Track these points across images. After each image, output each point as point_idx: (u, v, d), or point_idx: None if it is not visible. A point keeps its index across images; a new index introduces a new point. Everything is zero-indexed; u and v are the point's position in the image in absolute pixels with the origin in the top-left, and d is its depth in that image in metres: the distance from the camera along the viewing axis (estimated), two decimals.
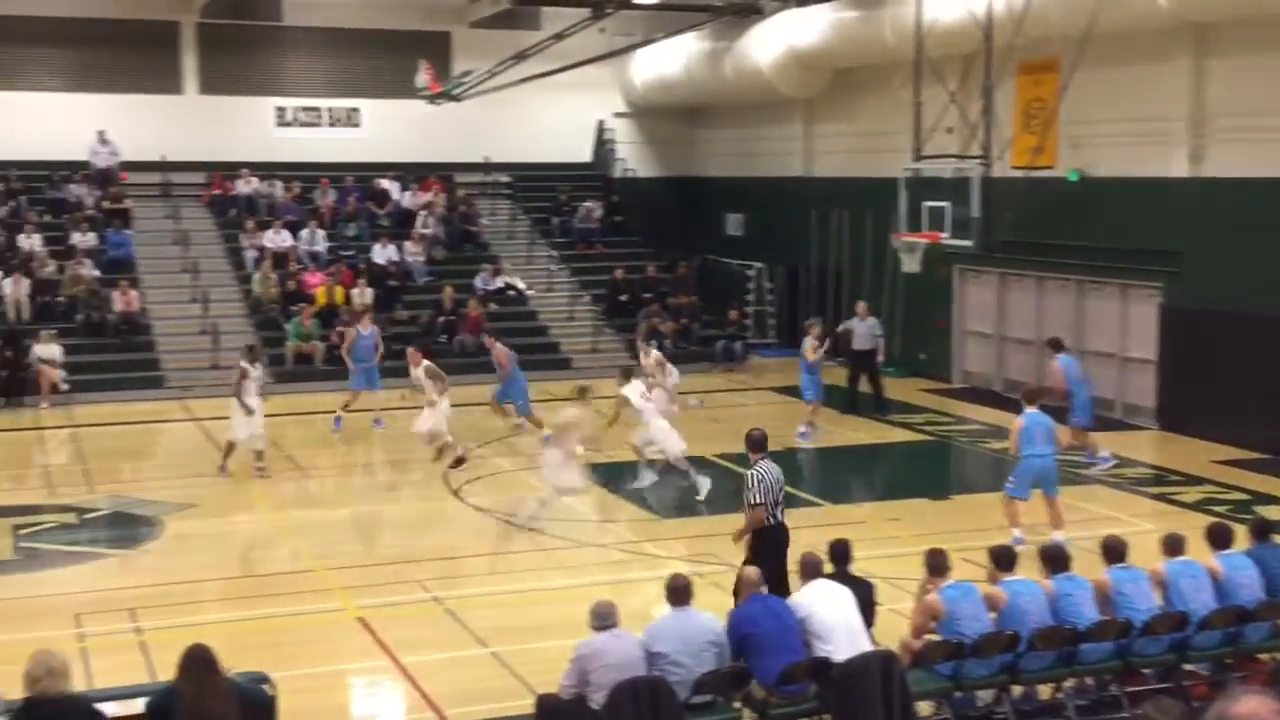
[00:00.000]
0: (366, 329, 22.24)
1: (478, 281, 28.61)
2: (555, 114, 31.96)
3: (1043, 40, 21.21)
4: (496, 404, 21.10)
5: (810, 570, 9.58)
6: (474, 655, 11.53)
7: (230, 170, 30.05)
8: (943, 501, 17.01)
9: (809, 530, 15.15)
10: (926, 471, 19.90)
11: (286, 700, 8.87)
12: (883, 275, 26.66)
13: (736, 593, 9.77)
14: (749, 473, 11.34)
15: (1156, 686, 9.91)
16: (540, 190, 32.50)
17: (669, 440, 17.26)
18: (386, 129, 31.39)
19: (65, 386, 23.82)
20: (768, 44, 27.58)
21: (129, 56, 29.81)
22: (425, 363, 19.03)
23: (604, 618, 8.85)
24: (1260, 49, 19.52)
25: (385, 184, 30.89)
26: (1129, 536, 10.71)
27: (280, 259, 27.95)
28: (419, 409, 19.11)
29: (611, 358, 27.81)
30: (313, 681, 10.75)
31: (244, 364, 18.25)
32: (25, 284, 25.80)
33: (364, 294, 27.09)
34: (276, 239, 28.36)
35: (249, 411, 17.91)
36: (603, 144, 33.78)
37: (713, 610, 9.52)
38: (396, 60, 30.35)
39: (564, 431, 15.77)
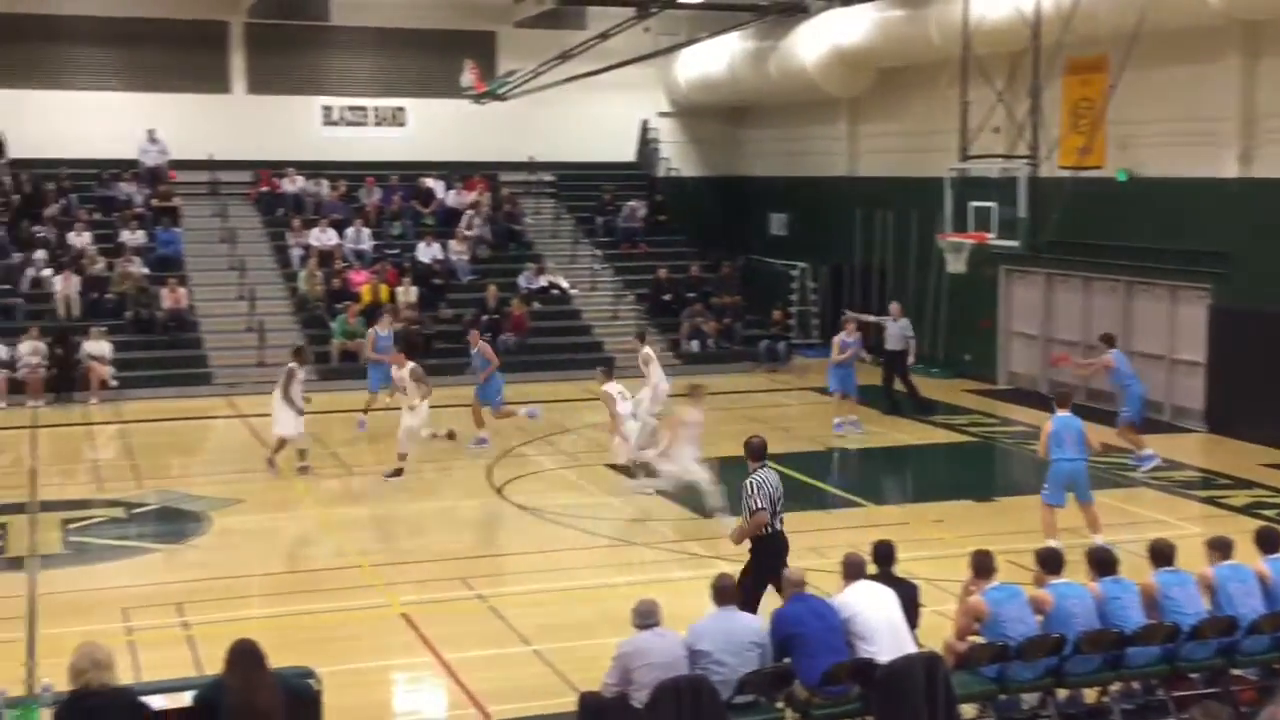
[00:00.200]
0: (386, 329, 22.16)
1: (521, 280, 28.70)
2: (599, 113, 32.00)
3: (1091, 39, 21.04)
4: (478, 404, 20.62)
5: (854, 571, 9.55)
6: (517, 652, 11.57)
7: (277, 169, 30.28)
8: (987, 503, 16.90)
9: (851, 531, 15.16)
10: (971, 473, 19.78)
11: (331, 695, 8.93)
12: (927, 276, 26.54)
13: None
14: (747, 480, 11.13)
15: (1204, 691, 9.82)
16: (584, 189, 32.54)
17: (633, 441, 17.37)
18: (432, 128, 31.53)
19: (114, 383, 24.08)
20: (813, 43, 27.50)
21: (178, 56, 30.07)
22: (410, 365, 18.51)
23: (647, 616, 8.86)
24: None
25: (430, 183, 31.04)
26: (1176, 540, 10.59)
27: (326, 257, 28.13)
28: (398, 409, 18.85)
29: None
30: (357, 677, 10.82)
31: (293, 364, 18.27)
32: (75, 281, 26.10)
33: (408, 292, 27.24)
34: (322, 237, 28.55)
35: (300, 411, 18.02)
36: (647, 143, 33.79)
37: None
38: (442, 60, 30.48)
39: (680, 428, 15.59)
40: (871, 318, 24.05)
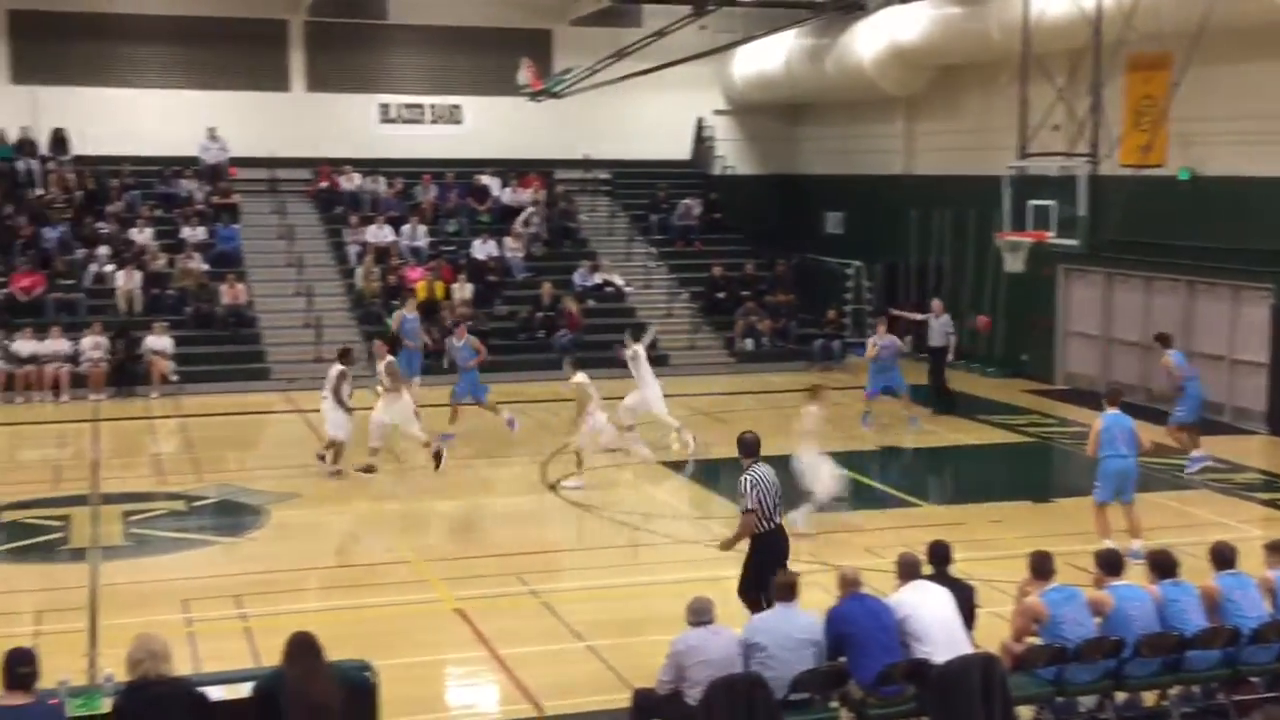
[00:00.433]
0: (412, 312, 22.18)
1: (576, 278, 28.76)
2: (655, 111, 31.99)
3: (1154, 35, 20.77)
4: (457, 401, 20.70)
5: (908, 570, 9.50)
6: (571, 649, 11.60)
7: (335, 166, 30.51)
8: (1045, 505, 16.73)
9: (907, 530, 15.07)
10: (1028, 474, 19.62)
11: (386, 689, 8.99)
12: (984, 274, 26.34)
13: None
14: (742, 478, 11.00)
15: (1265, 695, 9.69)
16: (639, 187, 32.56)
17: (602, 435, 17.48)
18: (488, 126, 31.65)
19: (175, 377, 24.37)
20: (870, 41, 27.36)
21: (238, 55, 30.37)
22: (389, 358, 18.43)
23: (701, 614, 8.86)
24: None
25: (485, 180, 31.17)
26: (1237, 543, 10.45)
27: (382, 254, 28.33)
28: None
29: (708, 355, 27.87)
30: (412, 670, 10.88)
31: (341, 366, 18.12)
32: (137, 277, 26.44)
33: (464, 289, 27.37)
34: (379, 234, 28.75)
35: (349, 411, 18.00)
36: (702, 141, 33.74)
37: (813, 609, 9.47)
38: (499, 58, 30.53)
39: (806, 431, 15.52)
40: (917, 315, 24.03)
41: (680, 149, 33.52)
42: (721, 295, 29.08)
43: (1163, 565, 9.85)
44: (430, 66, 32.00)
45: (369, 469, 17.91)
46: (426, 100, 31.97)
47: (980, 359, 26.51)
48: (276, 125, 30.40)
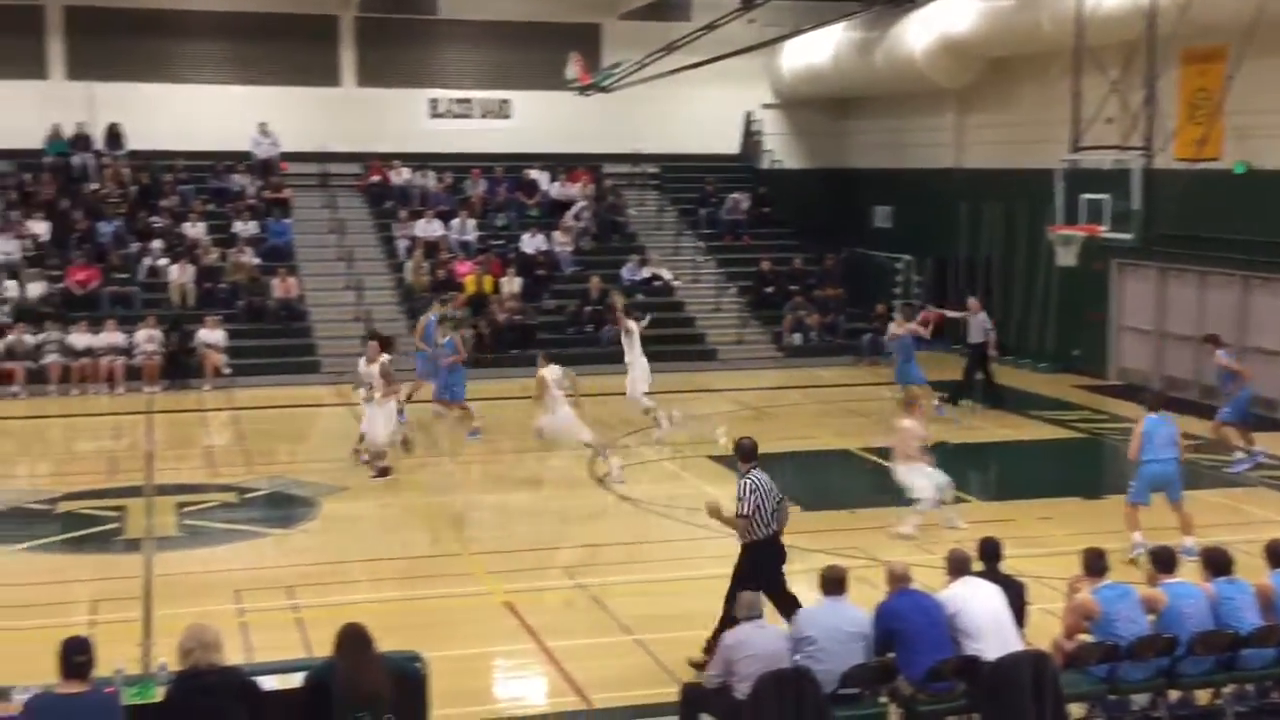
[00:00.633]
0: (435, 314, 21.91)
1: (625, 272, 28.79)
2: (703, 105, 31.95)
3: (1209, 28, 20.54)
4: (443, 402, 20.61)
5: (958, 566, 9.45)
6: (618, 642, 11.63)
7: (385, 160, 30.67)
8: (1096, 501, 16.58)
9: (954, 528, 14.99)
10: (1079, 470, 19.44)
11: (436, 680, 9.04)
12: (1036, 269, 26.13)
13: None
14: (741, 482, 10.86)
15: None
16: (687, 181, 32.54)
17: (572, 430, 17.47)
18: (537, 120, 31.73)
19: (228, 370, 24.61)
20: (920, 33, 27.19)
21: (289, 50, 30.61)
22: (384, 357, 17.57)
23: (750, 608, 8.87)
24: None
25: (534, 174, 31.24)
26: None
27: (431, 248, 28.47)
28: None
29: (756, 349, 27.83)
30: (461, 663, 10.93)
31: (386, 356, 17.56)
32: (190, 270, 26.71)
33: (512, 283, 27.46)
34: (428, 228, 28.89)
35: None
36: (750, 135, 33.67)
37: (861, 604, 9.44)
38: (547, 52, 30.58)
39: (902, 440, 15.23)
40: (954, 313, 23.90)
41: (729, 143, 33.46)
42: (770, 290, 29.01)
43: (1217, 563, 9.75)
44: (479, 61, 32.10)
45: (385, 471, 17.37)
46: (476, 95, 32.08)
47: (1031, 354, 26.32)
48: (327, 120, 30.62)
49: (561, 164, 31.55)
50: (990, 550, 9.97)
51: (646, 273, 28.98)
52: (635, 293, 28.15)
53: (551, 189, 31.12)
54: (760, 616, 8.85)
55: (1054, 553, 13.02)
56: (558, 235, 29.45)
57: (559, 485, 18.03)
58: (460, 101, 32.08)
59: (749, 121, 33.65)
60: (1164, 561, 9.64)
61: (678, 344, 25.85)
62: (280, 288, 26.64)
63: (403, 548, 15.05)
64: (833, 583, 9.18)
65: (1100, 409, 22.58)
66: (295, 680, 8.15)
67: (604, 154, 32.04)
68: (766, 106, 33.72)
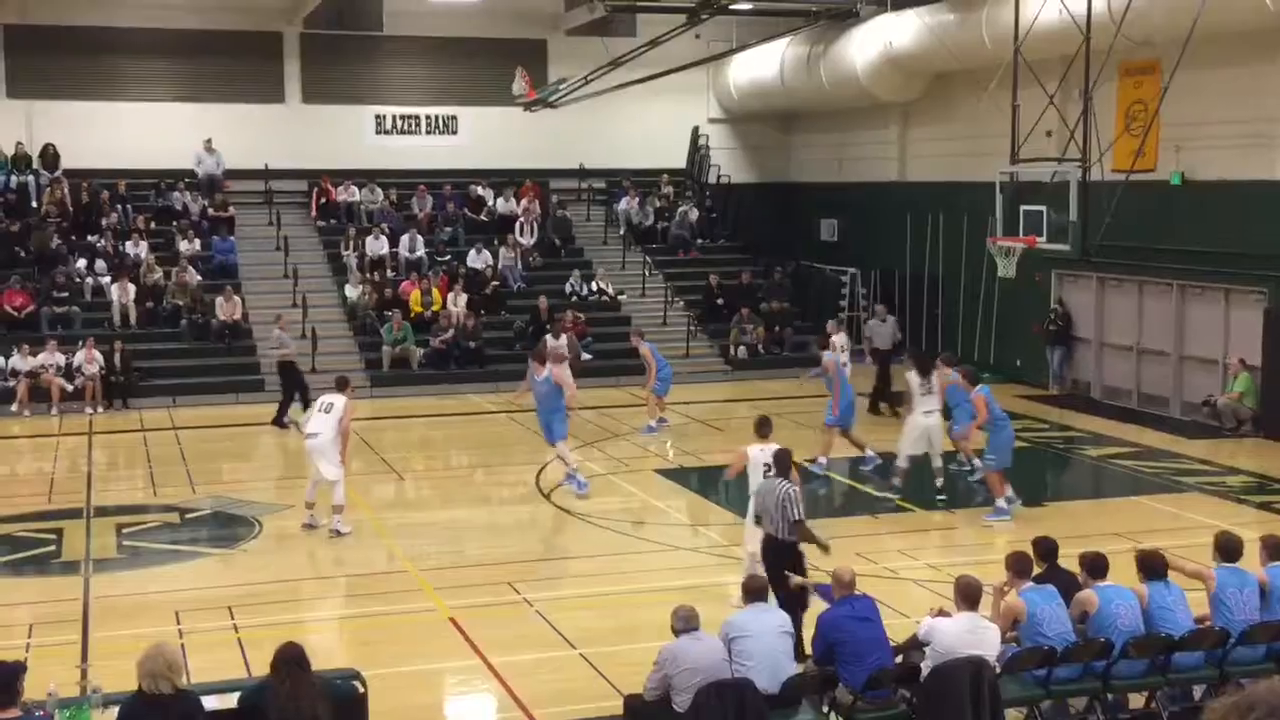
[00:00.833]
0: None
1: (569, 286, 28.83)
2: (650, 120, 32.08)
3: (1144, 41, 20.85)
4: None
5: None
6: (563, 656, 11.61)
7: (331, 177, 30.53)
8: (1038, 509, 16.73)
9: (902, 536, 15.11)
10: (1022, 478, 19.55)
11: (378, 698, 9.02)
12: (978, 280, 26.38)
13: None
14: (792, 490, 11.31)
15: None
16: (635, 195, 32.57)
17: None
18: (484, 136, 31.73)
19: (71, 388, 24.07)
20: (864, 48, 27.40)
21: (233, 67, 30.42)
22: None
23: (686, 621, 8.89)
24: None
25: (481, 191, 31.22)
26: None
27: (378, 265, 28.37)
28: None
29: (704, 363, 27.91)
30: (404, 680, 10.90)
31: (346, 397, 16.03)
32: (132, 289, 26.46)
33: (458, 300, 27.41)
34: (375, 245, 28.79)
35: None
36: (697, 150, 33.80)
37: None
38: (494, 68, 30.63)
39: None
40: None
41: (676, 158, 33.57)
42: (720, 302, 29.13)
43: (1151, 566, 9.87)
44: (425, 77, 32.06)
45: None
46: (422, 111, 32.02)
47: (974, 364, 26.48)
48: (272, 137, 30.46)
49: (509, 179, 31.53)
50: (1048, 549, 10.17)
51: (591, 287, 29.04)
52: (581, 307, 28.21)
53: (498, 205, 31.10)
54: (697, 629, 8.88)
55: (995, 560, 13.10)
56: (504, 251, 29.42)
57: (506, 500, 18.01)
58: (406, 117, 32.01)
59: (696, 136, 33.79)
60: (1094, 566, 9.75)
61: (624, 358, 25.85)
62: (225, 307, 26.43)
63: (348, 565, 14.96)
64: (754, 592, 9.38)
65: (1043, 418, 22.80)
66: (233, 700, 8.11)
67: (551, 169, 32.07)
68: (713, 121, 33.88)
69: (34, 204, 28.48)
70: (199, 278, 27.28)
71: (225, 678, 9.65)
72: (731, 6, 26.97)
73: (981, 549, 14.86)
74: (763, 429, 12.91)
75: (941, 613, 9.37)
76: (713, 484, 18.54)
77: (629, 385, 24.89)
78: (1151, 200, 21.86)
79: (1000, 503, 15.97)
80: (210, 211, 29.31)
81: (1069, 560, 10.25)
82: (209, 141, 29.86)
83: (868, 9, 27.26)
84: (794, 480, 11.48)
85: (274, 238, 29.39)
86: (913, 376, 16.77)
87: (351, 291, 27.67)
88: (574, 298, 28.63)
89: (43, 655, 11.22)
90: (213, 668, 10.74)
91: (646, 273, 30.29)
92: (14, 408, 23.55)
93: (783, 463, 11.61)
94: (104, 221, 28.37)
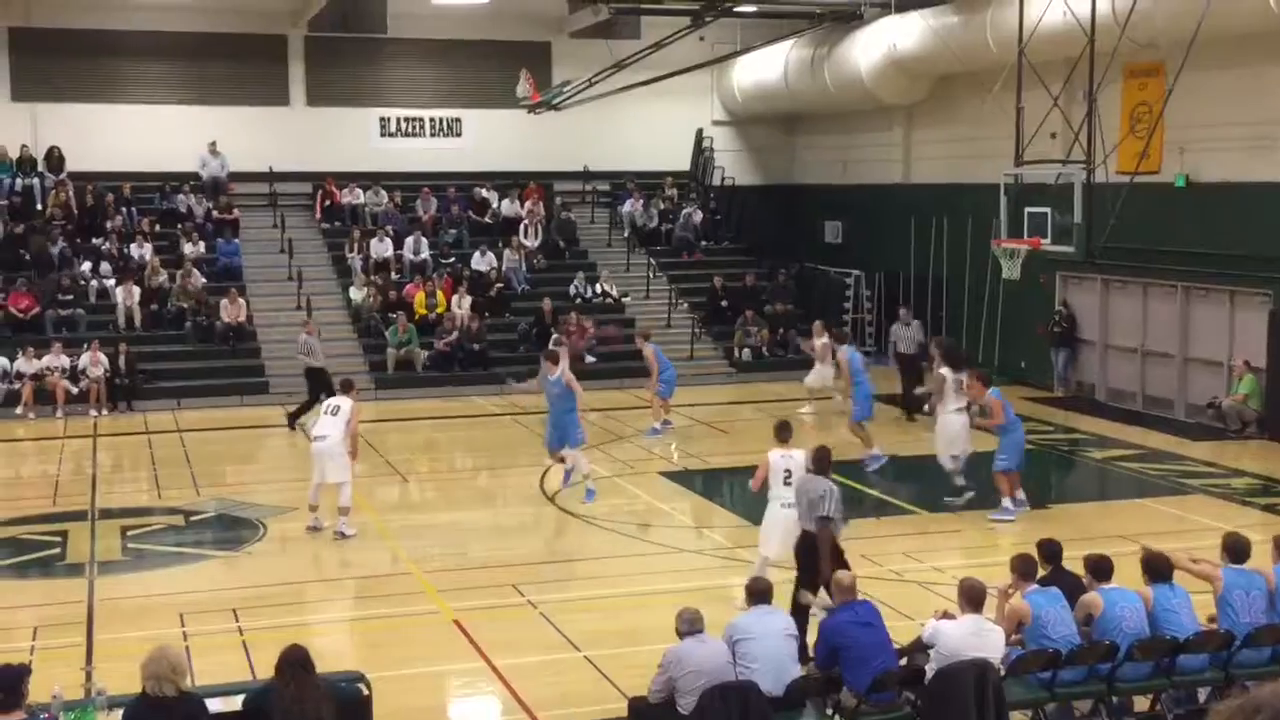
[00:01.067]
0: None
1: (574, 288, 28.85)
2: (654, 122, 32.08)
3: (1149, 44, 20.82)
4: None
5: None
6: (567, 659, 11.60)
7: (336, 180, 30.54)
8: (1043, 510, 16.72)
9: (907, 539, 15.09)
10: (1027, 480, 19.51)
11: (383, 700, 9.02)
12: (983, 282, 26.37)
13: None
14: (834, 489, 11.46)
15: None
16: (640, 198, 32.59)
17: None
18: (488, 138, 31.74)
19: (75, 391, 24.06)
20: (867, 51, 27.39)
21: (238, 70, 30.46)
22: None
23: (691, 623, 8.89)
24: None
25: (485, 193, 31.24)
26: None
27: (382, 267, 28.40)
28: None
29: (708, 365, 27.90)
30: (409, 682, 10.91)
31: (351, 399, 16.06)
32: (136, 292, 26.49)
33: (463, 302, 27.43)
34: (380, 248, 28.82)
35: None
36: (701, 152, 33.80)
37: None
38: (498, 70, 30.63)
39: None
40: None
41: (680, 160, 33.57)
42: (725, 304, 29.13)
43: (1156, 569, 9.85)
44: (430, 80, 32.07)
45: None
46: (426, 114, 32.04)
47: (979, 366, 26.46)
48: (276, 140, 30.48)
49: (513, 182, 31.54)
50: (1052, 551, 10.18)
51: (596, 289, 29.07)
52: (585, 309, 28.23)
53: (502, 207, 31.11)
54: (701, 631, 8.87)
55: (1000, 563, 13.08)
56: (508, 253, 29.44)
57: (511, 502, 18.01)
58: (411, 120, 32.02)
59: (700, 138, 33.79)
60: (1098, 568, 9.74)
61: (628, 360, 25.88)
62: (229, 310, 26.45)
63: (352, 568, 14.98)
64: (758, 594, 9.35)
65: (1048, 420, 22.78)
66: (237, 703, 8.11)
67: (555, 171, 32.08)
68: (717, 123, 33.88)
69: (39, 207, 28.50)
70: (203, 280, 27.31)
71: (230, 680, 9.63)
72: (735, 9, 26.99)
73: (986, 551, 14.85)
74: (782, 434, 12.91)
75: (946, 615, 9.36)
76: (718, 486, 18.58)
77: (633, 388, 24.87)
78: (1156, 202, 21.84)
79: (1006, 502, 15.98)
80: (215, 214, 29.33)
81: (1074, 563, 10.24)
82: (214, 144, 29.88)
83: (871, 11, 27.26)
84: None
85: (278, 240, 29.41)
86: (946, 371, 16.71)
87: (356, 294, 27.69)
88: (578, 300, 28.67)
89: (47, 657, 11.25)
90: (217, 670, 10.72)
91: (650, 275, 30.29)
92: (19, 410, 23.57)
93: (822, 462, 11.77)
94: (109, 224, 28.39)
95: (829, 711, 9.17)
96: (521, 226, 30.39)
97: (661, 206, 32.09)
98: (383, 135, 31.79)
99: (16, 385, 23.93)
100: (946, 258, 28.23)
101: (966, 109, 26.85)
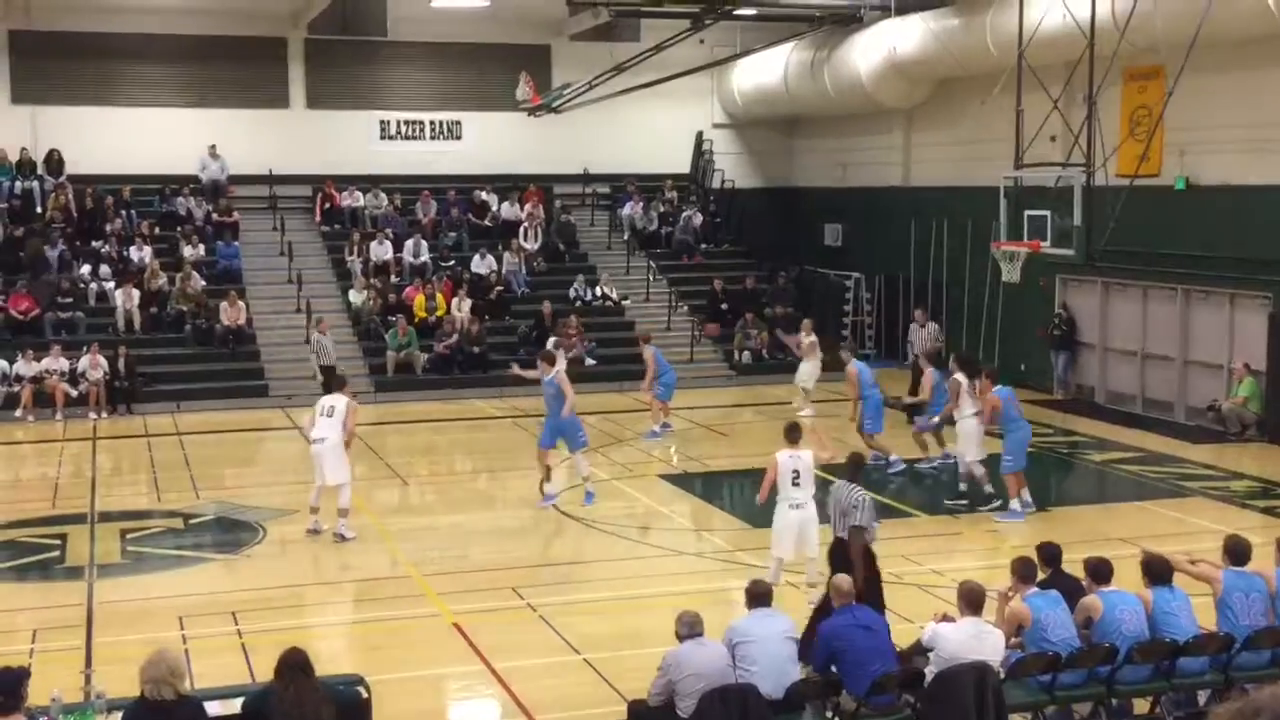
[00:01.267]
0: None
1: (573, 291, 28.86)
2: (654, 125, 32.09)
3: (1148, 47, 20.82)
4: None
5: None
6: (567, 661, 11.60)
7: (335, 183, 30.54)
8: (1043, 513, 16.71)
9: (903, 541, 15.08)
10: (1027, 483, 19.54)
11: (382, 703, 9.02)
12: (982, 284, 26.37)
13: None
14: (867, 497, 11.56)
15: None
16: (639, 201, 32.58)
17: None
18: (487, 141, 31.73)
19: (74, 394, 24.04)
20: (867, 53, 27.39)
21: (238, 73, 30.44)
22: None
23: (690, 626, 8.89)
24: None
25: (485, 196, 31.24)
26: None
27: (382, 270, 28.40)
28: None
29: (708, 368, 27.90)
30: (408, 685, 10.91)
31: (346, 397, 15.98)
32: (136, 295, 26.48)
33: (463, 305, 27.42)
34: (379, 250, 28.82)
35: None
36: (701, 155, 33.81)
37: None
38: (498, 73, 30.64)
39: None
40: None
41: (680, 163, 33.57)
42: (724, 307, 29.13)
43: (1156, 571, 9.85)
44: (429, 82, 32.07)
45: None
46: (426, 116, 32.03)
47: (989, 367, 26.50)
48: (276, 142, 30.48)
49: (513, 184, 31.54)
50: (1052, 554, 10.19)
51: (596, 292, 29.08)
52: (586, 311, 28.24)
53: (502, 209, 31.11)
54: (701, 634, 8.87)
55: (998, 565, 13.09)
56: (508, 256, 29.44)
57: (510, 505, 17.99)
58: (410, 123, 32.02)
59: (700, 141, 33.80)
60: (1098, 572, 9.74)
61: (628, 363, 25.89)
62: (229, 313, 26.43)
63: (352, 570, 14.97)
64: (758, 596, 9.35)
65: (1048, 423, 22.75)
66: (236, 706, 8.11)
67: (555, 174, 32.08)
68: (717, 126, 33.87)
69: (39, 209, 28.50)
70: (203, 283, 27.31)
71: (229, 683, 9.62)
72: (735, 12, 27.02)
73: (986, 554, 14.86)
74: (792, 435, 12.97)
75: (945, 618, 9.35)
76: (717, 489, 18.58)
77: (632, 390, 24.87)
78: (1156, 205, 21.84)
79: (1014, 504, 15.99)
80: (214, 217, 29.33)
81: (1073, 565, 10.24)
82: (213, 147, 29.88)
83: (871, 14, 27.30)
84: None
85: (278, 243, 29.41)
86: (961, 379, 16.76)
87: (355, 297, 27.69)
88: (578, 303, 28.68)
89: (46, 661, 11.25)
90: (216, 673, 10.72)
91: (650, 278, 30.29)
92: (18, 413, 23.57)
93: (855, 467, 11.96)
94: (108, 227, 28.39)
95: (829, 715, 9.17)
96: (521, 229, 30.39)
97: (661, 209, 32.08)
98: (382, 138, 31.77)
99: (16, 388, 23.93)
100: (946, 261, 28.23)
101: (966, 112, 26.86)
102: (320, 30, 30.32)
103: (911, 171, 29.76)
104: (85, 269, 27.30)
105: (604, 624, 12.71)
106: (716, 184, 33.53)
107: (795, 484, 12.42)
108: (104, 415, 23.89)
